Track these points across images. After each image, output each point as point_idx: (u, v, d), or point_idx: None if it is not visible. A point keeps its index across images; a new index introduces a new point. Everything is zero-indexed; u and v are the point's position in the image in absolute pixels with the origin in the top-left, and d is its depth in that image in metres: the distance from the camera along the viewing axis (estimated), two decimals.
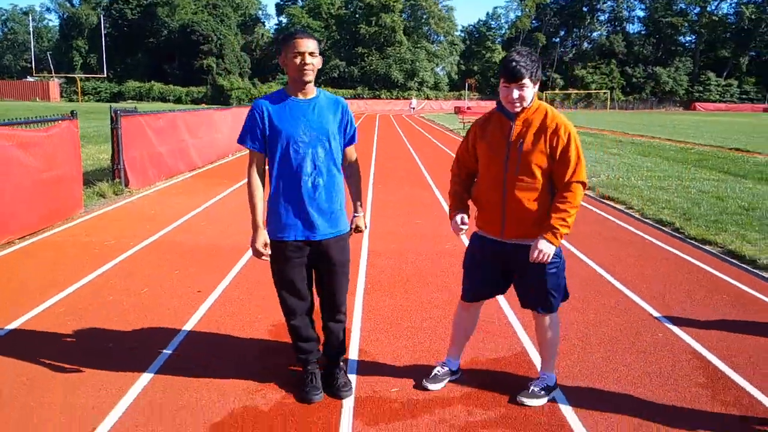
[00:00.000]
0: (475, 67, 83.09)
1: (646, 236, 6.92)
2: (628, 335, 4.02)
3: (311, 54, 2.82)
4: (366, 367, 3.48)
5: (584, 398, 3.17)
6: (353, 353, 3.65)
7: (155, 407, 2.99)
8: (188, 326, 4.03)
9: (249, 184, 2.96)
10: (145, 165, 9.84)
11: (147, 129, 10.01)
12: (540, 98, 2.90)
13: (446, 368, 3.29)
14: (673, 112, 70.24)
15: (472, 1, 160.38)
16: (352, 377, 3.34)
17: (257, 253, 2.94)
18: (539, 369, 3.28)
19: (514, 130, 2.82)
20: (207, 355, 3.60)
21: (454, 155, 3.14)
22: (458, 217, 2.97)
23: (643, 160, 14.98)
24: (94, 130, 19.57)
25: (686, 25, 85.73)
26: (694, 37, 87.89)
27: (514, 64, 2.69)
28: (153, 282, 4.95)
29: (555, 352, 3.19)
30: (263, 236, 2.92)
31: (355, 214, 3.16)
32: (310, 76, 2.86)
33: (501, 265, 3.02)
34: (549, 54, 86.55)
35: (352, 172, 3.17)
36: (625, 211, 8.47)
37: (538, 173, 2.78)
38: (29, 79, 70.29)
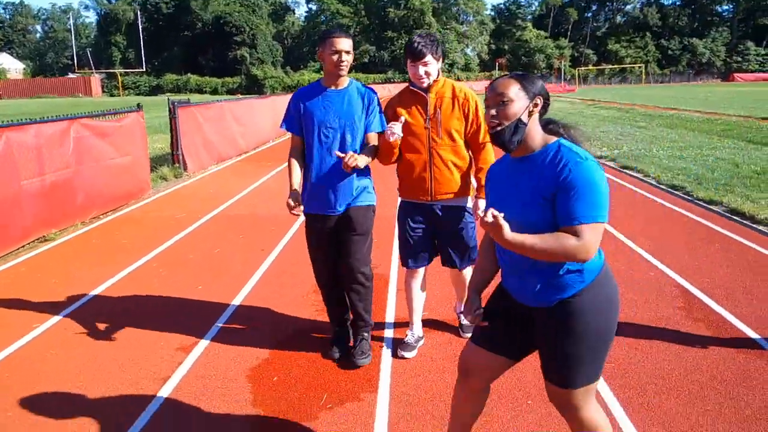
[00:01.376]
0: (506, 47, 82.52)
1: (657, 199, 7.57)
2: (622, 273, 4.77)
3: (347, 52, 3.15)
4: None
5: None
6: (392, 296, 4.51)
7: (237, 331, 3.93)
8: (257, 275, 4.96)
9: (288, 160, 3.37)
10: (200, 151, 10.88)
11: (200, 118, 11.03)
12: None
13: (415, 335, 3.59)
14: (710, 84, 68.69)
15: None
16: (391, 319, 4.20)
17: (288, 207, 3.22)
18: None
19: (431, 102, 3.23)
20: (273, 295, 4.52)
21: None
22: (391, 123, 3.16)
23: (668, 132, 15.37)
24: None
25: None
26: (731, 5, 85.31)
27: (416, 45, 3.08)
28: (223, 244, 5.90)
29: None
30: (293, 195, 3.22)
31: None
32: (344, 71, 3.20)
33: (430, 227, 3.38)
34: (581, 29, 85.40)
35: (368, 148, 3.29)
36: (642, 178, 9.08)
37: (456, 136, 3.24)
38: (71, 75, 72.96)
